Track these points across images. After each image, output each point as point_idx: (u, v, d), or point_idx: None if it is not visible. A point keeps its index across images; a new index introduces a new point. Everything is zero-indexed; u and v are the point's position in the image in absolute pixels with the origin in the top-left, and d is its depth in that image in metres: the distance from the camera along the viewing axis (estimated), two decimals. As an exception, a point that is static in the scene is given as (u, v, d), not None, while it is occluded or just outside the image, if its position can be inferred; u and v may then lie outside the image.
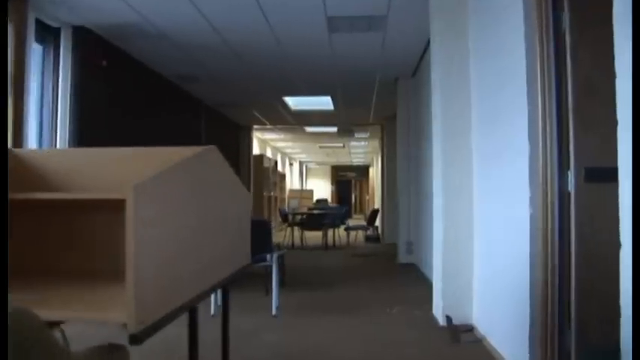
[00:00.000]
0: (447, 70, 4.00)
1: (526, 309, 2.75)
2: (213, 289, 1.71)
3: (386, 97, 9.07)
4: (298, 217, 10.99)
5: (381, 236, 11.91)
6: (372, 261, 8.45)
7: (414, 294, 5.35)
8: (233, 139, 12.05)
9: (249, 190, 12.58)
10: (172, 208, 1.36)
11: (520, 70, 2.84)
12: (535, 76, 2.67)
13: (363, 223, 13.84)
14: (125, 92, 6.37)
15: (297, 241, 10.57)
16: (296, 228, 10.64)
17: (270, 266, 4.33)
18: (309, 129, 13.53)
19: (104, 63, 5.63)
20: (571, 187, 2.52)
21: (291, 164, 22.20)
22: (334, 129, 13.24)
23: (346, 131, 12.69)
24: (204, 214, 1.61)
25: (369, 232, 11.21)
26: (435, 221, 4.31)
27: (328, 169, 28.71)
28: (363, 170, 26.83)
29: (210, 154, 1.70)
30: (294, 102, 10.15)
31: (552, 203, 2.59)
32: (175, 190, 1.38)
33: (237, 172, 12.49)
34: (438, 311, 4.11)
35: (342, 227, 10.90)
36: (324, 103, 10.01)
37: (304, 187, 25.30)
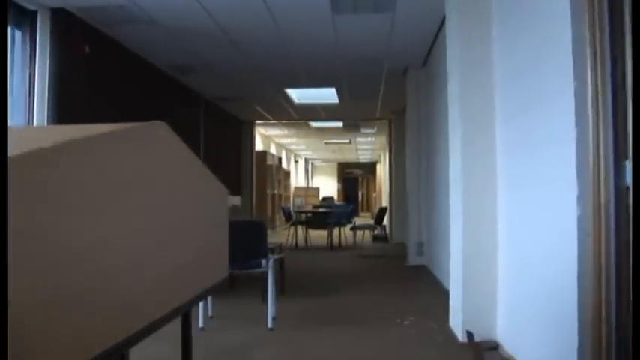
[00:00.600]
0: (466, 48, 3.49)
1: (570, 324, 2.25)
2: (162, 322, 1.23)
3: (394, 89, 8.56)
4: (302, 216, 10.50)
5: (389, 236, 11.42)
6: (380, 263, 7.95)
7: (428, 302, 4.85)
8: (235, 134, 11.59)
9: (251, 188, 12.13)
10: (78, 211, 0.88)
11: (562, 42, 2.33)
12: (584, 45, 2.16)
13: (370, 222, 13.35)
14: (112, 83, 5.90)
15: (301, 240, 10.09)
16: (301, 227, 10.16)
17: (266, 272, 3.84)
18: (314, 124, 13.03)
19: (87, 50, 5.16)
20: (629, 180, 2.02)
21: (296, 161, 21.72)
22: (340, 124, 12.75)
23: (352, 126, 12.19)
24: (143, 217, 1.13)
25: (377, 231, 10.71)
26: (453, 220, 3.80)
27: (334, 167, 28.20)
28: (370, 167, 26.31)
29: (154, 131, 1.22)
30: (297, 95, 9.65)
31: (607, 201, 2.08)
32: (82, 182, 0.89)
33: (239, 168, 12.05)
34: (457, 324, 3.61)
35: (349, 226, 10.40)
36: (328, 95, 9.51)
37: (310, 185, 24.83)
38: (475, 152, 3.44)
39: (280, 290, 5.30)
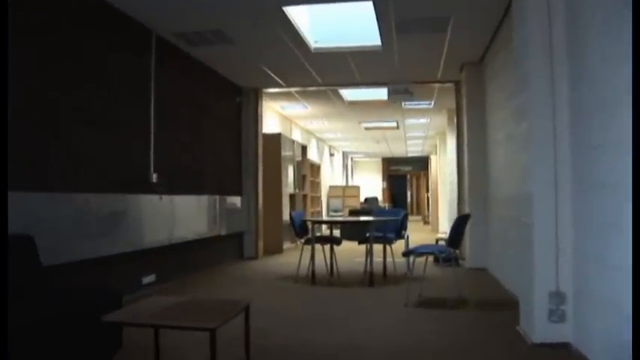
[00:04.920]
0: None
1: None
2: None
3: (477, 8, 4.81)
4: (325, 228, 6.74)
5: (458, 255, 7.56)
6: (462, 324, 4.15)
7: None
8: (229, 107, 7.98)
9: (255, 185, 8.50)
10: None
11: None
12: None
13: (429, 231, 9.47)
14: None
15: (321, 266, 6.39)
16: (324, 244, 6.46)
17: None
18: (346, 95, 9.30)
19: None
20: None
21: (331, 154, 18.02)
22: (383, 93, 8.96)
23: (401, 93, 8.39)
24: None
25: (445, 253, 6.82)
26: None
27: (379, 163, 24.34)
28: (421, 162, 22.30)
29: None
30: (312, 32, 6.00)
31: None
32: None
33: (238, 158, 8.45)
34: None
35: (399, 240, 6.59)
36: (362, 33, 5.82)
37: (349, 184, 21.06)
38: None
39: None
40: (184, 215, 6.02)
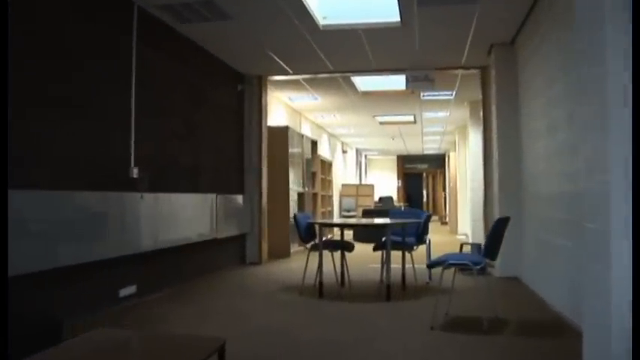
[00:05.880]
0: None
1: None
2: None
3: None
4: (337, 230, 5.91)
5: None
6: (500, 357, 3.32)
7: None
8: (229, 96, 7.21)
9: (259, 183, 7.73)
10: None
11: None
12: None
13: (459, 237, 8.59)
14: None
15: (330, 275, 5.59)
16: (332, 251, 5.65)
17: None
18: (360, 83, 8.48)
19: None
20: None
21: (344, 151, 17.20)
22: (401, 81, 8.12)
23: (421, 81, 7.55)
24: None
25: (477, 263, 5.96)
26: None
27: (393, 160, 23.44)
28: (438, 161, 21.40)
29: None
30: (322, 7, 5.21)
31: None
32: None
33: (240, 152, 7.68)
34: None
35: (421, 245, 5.77)
36: (378, 9, 5.02)
37: (362, 182, 20.21)
38: None
39: None
40: (174, 216, 5.25)
